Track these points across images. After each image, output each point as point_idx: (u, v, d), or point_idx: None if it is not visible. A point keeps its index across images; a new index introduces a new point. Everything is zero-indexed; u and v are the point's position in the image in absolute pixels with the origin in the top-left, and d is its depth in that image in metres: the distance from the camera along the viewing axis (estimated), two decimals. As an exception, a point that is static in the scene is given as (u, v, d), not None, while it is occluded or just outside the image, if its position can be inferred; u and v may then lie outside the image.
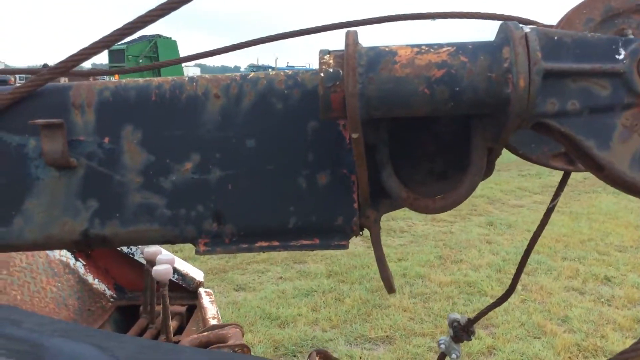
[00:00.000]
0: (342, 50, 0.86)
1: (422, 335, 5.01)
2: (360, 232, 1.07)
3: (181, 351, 1.93)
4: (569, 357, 4.68)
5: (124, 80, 1.04)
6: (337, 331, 5.13)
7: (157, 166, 1.02)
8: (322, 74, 0.86)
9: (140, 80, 1.03)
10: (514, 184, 12.11)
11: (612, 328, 5.20)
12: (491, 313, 5.49)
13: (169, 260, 2.34)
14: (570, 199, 10.60)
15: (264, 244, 1.04)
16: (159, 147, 1.01)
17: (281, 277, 6.61)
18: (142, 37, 29.71)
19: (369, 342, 4.94)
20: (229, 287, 6.30)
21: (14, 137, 1.01)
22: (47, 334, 1.74)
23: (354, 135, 0.87)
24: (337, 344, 4.88)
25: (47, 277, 2.40)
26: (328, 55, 0.87)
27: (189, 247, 7.29)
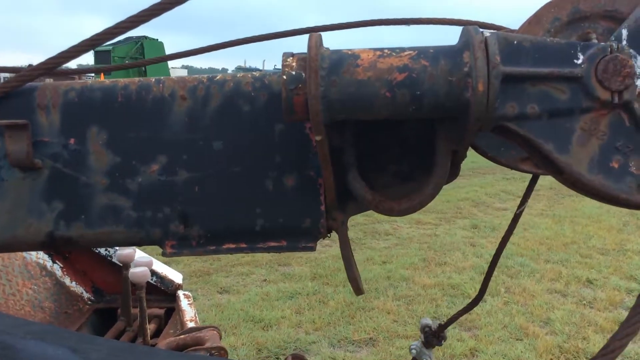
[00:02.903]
0: (306, 53, 0.86)
1: (405, 337, 5.03)
2: (328, 235, 1.07)
3: (156, 354, 1.92)
4: (551, 359, 4.71)
5: (89, 81, 1.03)
6: (321, 333, 5.13)
7: (123, 168, 1.01)
8: (284, 77, 0.86)
9: (107, 81, 1.03)
10: (498, 187, 12.20)
11: (594, 330, 5.24)
12: (474, 315, 5.49)
13: (146, 263, 2.33)
14: (554, 202, 10.69)
15: (232, 245, 1.04)
16: (125, 149, 1.01)
17: (265, 280, 6.60)
18: (128, 39, 29.53)
19: (352, 344, 4.94)
20: (212, 289, 6.28)
21: None
22: (19, 336, 1.72)
23: (318, 138, 0.88)
24: (321, 346, 4.88)
25: (23, 280, 2.38)
26: (291, 58, 0.87)
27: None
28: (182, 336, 2.10)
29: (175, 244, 1.03)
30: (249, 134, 1.02)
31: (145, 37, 30.77)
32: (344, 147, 0.98)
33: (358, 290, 1.09)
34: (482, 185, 12.32)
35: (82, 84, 1.02)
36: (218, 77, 1.04)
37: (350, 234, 8.25)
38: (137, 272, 2.20)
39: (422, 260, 7.23)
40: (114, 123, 1.01)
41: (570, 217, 9.57)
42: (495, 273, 1.49)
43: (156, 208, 1.02)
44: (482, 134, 0.99)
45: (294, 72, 0.86)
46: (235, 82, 1.02)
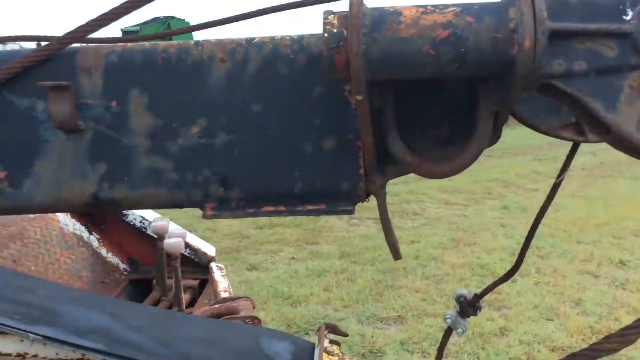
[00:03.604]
0: (347, 11, 0.86)
1: (434, 315, 5.02)
2: (366, 199, 1.07)
3: (193, 320, 1.96)
4: (582, 339, 4.66)
5: (129, 44, 1.04)
6: (349, 310, 5.16)
7: (164, 130, 1.02)
8: (325, 35, 0.85)
9: (147, 43, 1.04)
10: (529, 168, 12.00)
11: (626, 311, 5.16)
12: (504, 295, 5.44)
13: (180, 234, 2.37)
14: (586, 183, 10.48)
15: (270, 208, 1.04)
16: (165, 111, 1.02)
17: (293, 258, 6.65)
18: (155, 19, 29.69)
19: (381, 321, 4.97)
20: (241, 266, 6.36)
21: (23, 100, 1.02)
22: (62, 302, 1.77)
23: (358, 97, 0.87)
24: (349, 322, 4.91)
25: (61, 249, 2.44)
26: (332, 16, 0.87)
27: (201, 227, 7.36)
28: (216, 306, 2.13)
29: (215, 206, 1.05)
30: (287, 96, 1.02)
31: (172, 17, 30.90)
32: (384, 109, 0.98)
33: (396, 254, 1.09)
34: (512, 165, 12.13)
35: (122, 47, 1.03)
36: (256, 40, 1.03)
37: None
38: (172, 243, 2.24)
39: (451, 240, 7.19)
40: (155, 85, 1.02)
41: (603, 198, 9.39)
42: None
43: (196, 170, 1.03)
44: (522, 99, 0.97)
45: (335, 30, 0.85)
46: (274, 44, 1.02)
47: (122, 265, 2.70)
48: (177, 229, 2.44)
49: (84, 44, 1.04)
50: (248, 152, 1.02)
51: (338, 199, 1.04)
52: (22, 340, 1.45)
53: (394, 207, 8.71)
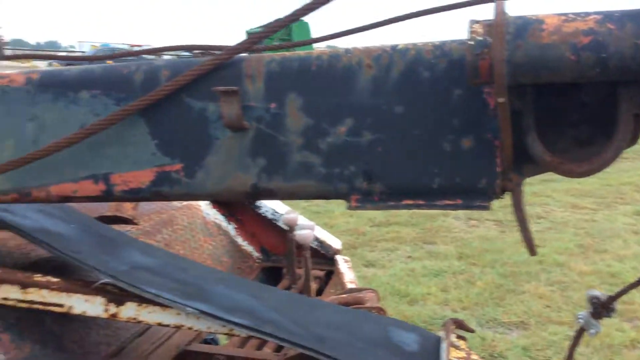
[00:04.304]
0: (491, 20, 0.92)
1: (559, 323, 4.83)
2: (502, 195, 1.12)
3: (324, 306, 2.09)
4: None
5: (287, 53, 1.17)
6: (468, 313, 5.11)
7: (315, 129, 1.14)
8: (471, 42, 0.92)
9: (302, 52, 1.17)
10: (669, 172, 11.04)
11: None
12: (636, 305, 5.10)
13: (309, 226, 2.52)
14: None
15: (410, 202, 1.13)
16: (317, 112, 1.14)
17: (410, 257, 6.67)
18: (277, 20, 30.72)
19: (502, 326, 4.86)
20: (358, 262, 6.48)
21: (197, 102, 1.19)
22: (209, 281, 1.98)
23: (500, 100, 0.93)
24: (469, 325, 4.86)
25: (204, 236, 2.69)
26: (477, 24, 0.93)
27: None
28: (343, 295, 2.25)
29: (359, 199, 1.15)
30: (428, 98, 1.09)
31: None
32: (524, 111, 1.02)
33: (532, 250, 1.13)
34: (649, 169, 11.23)
35: (281, 56, 1.17)
36: (400, 46, 1.12)
37: (499, 215, 8.03)
38: (303, 234, 2.39)
39: (578, 246, 6.83)
40: (308, 89, 1.14)
41: None
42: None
43: (343, 165, 1.14)
44: None
45: (480, 38, 0.92)
46: (417, 50, 1.10)
47: (255, 254, 2.91)
48: (307, 222, 2.60)
49: (248, 55, 1.19)
50: (391, 150, 1.11)
51: (474, 195, 1.11)
52: (179, 314, 1.65)
53: (516, 210, 8.40)
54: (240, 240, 2.89)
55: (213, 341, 2.71)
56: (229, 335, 1.75)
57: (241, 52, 1.14)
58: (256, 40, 1.15)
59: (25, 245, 2.02)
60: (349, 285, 2.39)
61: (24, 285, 1.60)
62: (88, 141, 1.20)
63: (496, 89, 0.92)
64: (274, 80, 1.16)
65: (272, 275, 2.78)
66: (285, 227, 2.70)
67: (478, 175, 1.09)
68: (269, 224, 2.90)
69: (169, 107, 1.19)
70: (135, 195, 1.26)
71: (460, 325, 1.93)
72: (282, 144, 1.16)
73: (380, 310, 2.10)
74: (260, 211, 2.89)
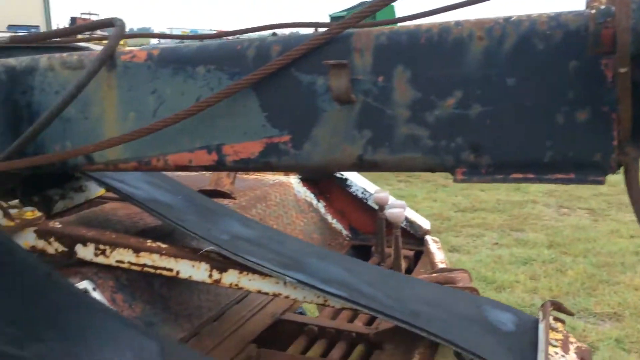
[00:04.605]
0: None
1: (658, 317, 4.58)
2: (617, 170, 1.08)
3: (417, 282, 2.10)
4: None
5: (396, 26, 1.18)
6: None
7: (422, 102, 1.15)
8: (593, 11, 0.90)
9: (411, 25, 1.17)
10: None
11: None
12: None
13: (400, 205, 2.52)
14: None
15: (519, 175, 1.11)
16: (425, 85, 1.14)
17: (497, 243, 6.51)
18: (361, 4, 30.55)
19: (594, 316, 4.67)
20: (443, 247, 6.39)
21: (306, 76, 1.22)
22: (304, 254, 2.04)
23: (622, 70, 0.90)
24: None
25: (296, 213, 2.76)
26: None
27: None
28: (433, 275, 2.25)
29: (465, 171, 1.15)
30: (542, 70, 1.07)
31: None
32: None
33: None
34: None
35: (389, 29, 1.18)
36: (513, 18, 1.10)
37: (592, 203, 7.66)
38: (394, 212, 2.40)
39: (682, 237, 6.41)
40: (417, 62, 1.14)
41: None
42: None
43: (450, 138, 1.14)
44: None
45: (603, 7, 0.89)
46: (531, 22, 1.08)
47: (344, 232, 2.95)
48: (397, 201, 2.61)
49: (357, 29, 1.21)
50: (501, 122, 1.10)
51: (588, 170, 1.08)
52: (278, 283, 1.72)
53: (612, 199, 8.00)
54: (329, 217, 2.95)
55: (301, 315, 2.79)
56: (323, 305, 1.81)
57: (349, 27, 1.16)
58: (362, 16, 1.17)
59: (133, 214, 2.17)
60: (440, 266, 2.38)
61: (137, 250, 1.72)
62: (202, 113, 1.27)
63: (618, 58, 0.89)
64: (382, 54, 1.17)
65: (360, 254, 2.81)
66: (375, 206, 2.72)
67: (592, 149, 1.06)
68: (359, 202, 2.93)
69: (279, 80, 1.23)
70: (245, 165, 1.32)
71: (558, 307, 1.89)
72: (388, 117, 1.18)
73: (473, 290, 2.09)
74: (351, 190, 2.93)
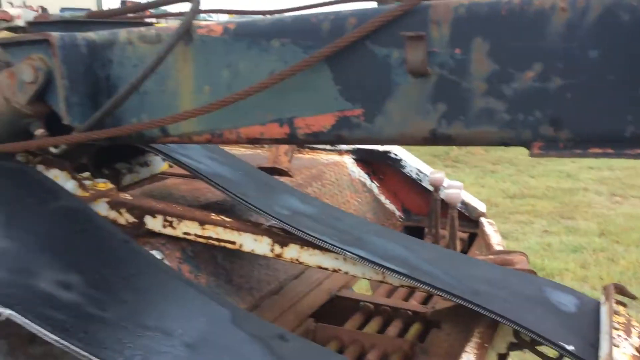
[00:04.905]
0: None
1: None
2: None
3: (476, 262, 2.09)
4: None
5: (475, -1, 1.17)
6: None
7: (500, 74, 1.14)
8: None
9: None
10: None
11: None
12: None
13: (457, 186, 2.51)
14: None
15: (598, 150, 1.10)
16: (503, 57, 1.13)
17: (546, 231, 6.39)
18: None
19: (647, 307, 4.55)
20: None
21: (382, 49, 1.22)
22: (363, 231, 2.05)
23: None
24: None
25: (350, 192, 2.78)
26: None
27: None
28: (490, 256, 2.23)
29: (542, 146, 1.13)
30: (627, 43, 1.04)
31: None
32: None
33: None
34: None
35: (469, 1, 1.16)
36: None
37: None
38: (451, 193, 2.39)
39: None
40: (496, 34, 1.13)
41: None
42: None
43: (528, 111, 1.13)
44: None
45: None
46: None
47: (397, 213, 2.96)
48: (454, 182, 2.59)
49: (435, 1, 1.20)
50: (581, 96, 1.08)
51: None
52: (337, 258, 1.74)
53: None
54: (382, 198, 2.95)
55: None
56: (381, 282, 1.82)
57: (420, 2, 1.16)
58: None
59: (195, 189, 2.22)
60: (497, 248, 2.36)
61: (202, 222, 1.77)
62: (275, 86, 1.28)
63: None
64: (460, 26, 1.16)
65: (413, 235, 2.81)
66: (430, 187, 2.71)
67: None
68: (412, 183, 2.93)
69: (353, 54, 1.24)
70: (317, 138, 1.34)
71: (621, 290, 1.85)
72: (464, 90, 1.17)
73: (532, 272, 2.06)
74: (404, 170, 2.92)
